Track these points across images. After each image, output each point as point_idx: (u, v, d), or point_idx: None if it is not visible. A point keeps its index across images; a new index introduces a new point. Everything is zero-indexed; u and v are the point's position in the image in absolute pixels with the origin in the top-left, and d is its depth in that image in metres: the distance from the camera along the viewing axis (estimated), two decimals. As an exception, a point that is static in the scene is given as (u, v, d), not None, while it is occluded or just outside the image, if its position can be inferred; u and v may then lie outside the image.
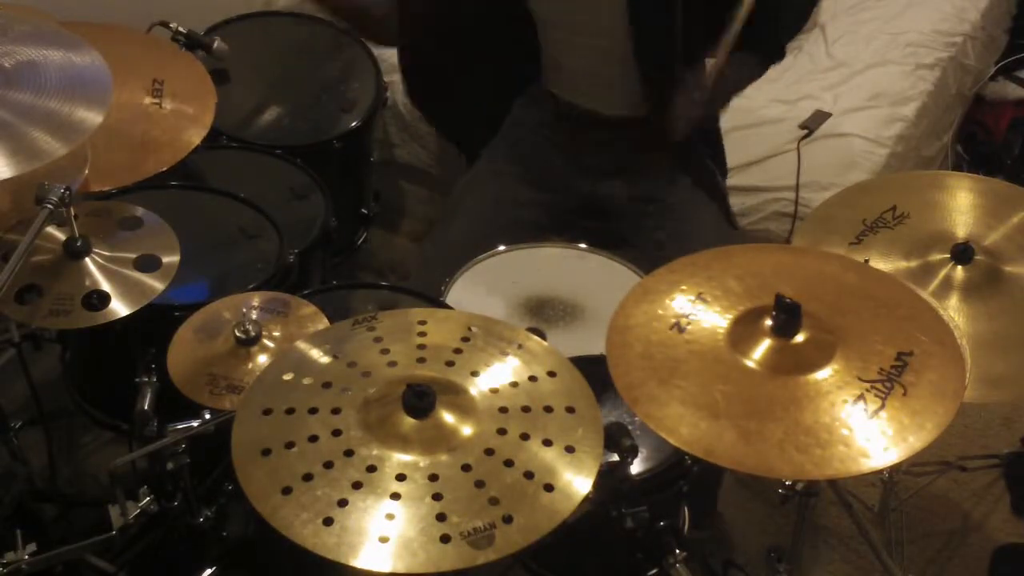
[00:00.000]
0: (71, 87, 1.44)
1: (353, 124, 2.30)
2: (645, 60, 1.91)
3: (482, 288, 1.83)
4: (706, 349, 1.29)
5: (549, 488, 1.12)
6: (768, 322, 1.28)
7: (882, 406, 1.19)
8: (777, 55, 2.06)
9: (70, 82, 1.45)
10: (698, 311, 1.33)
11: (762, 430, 1.18)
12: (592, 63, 1.98)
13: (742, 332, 1.30)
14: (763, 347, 1.27)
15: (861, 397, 1.20)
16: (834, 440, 1.16)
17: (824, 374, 1.23)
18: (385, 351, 1.28)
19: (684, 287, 1.37)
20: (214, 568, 1.53)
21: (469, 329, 1.32)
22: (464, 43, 2.10)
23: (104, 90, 1.47)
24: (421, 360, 1.27)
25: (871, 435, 1.16)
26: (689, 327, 1.32)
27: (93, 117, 1.42)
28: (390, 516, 1.08)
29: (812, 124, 2.22)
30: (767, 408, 1.21)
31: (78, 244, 1.48)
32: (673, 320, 1.33)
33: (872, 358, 1.24)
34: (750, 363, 1.26)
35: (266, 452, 1.14)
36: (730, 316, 1.32)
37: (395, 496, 1.10)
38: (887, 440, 1.16)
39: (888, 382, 1.21)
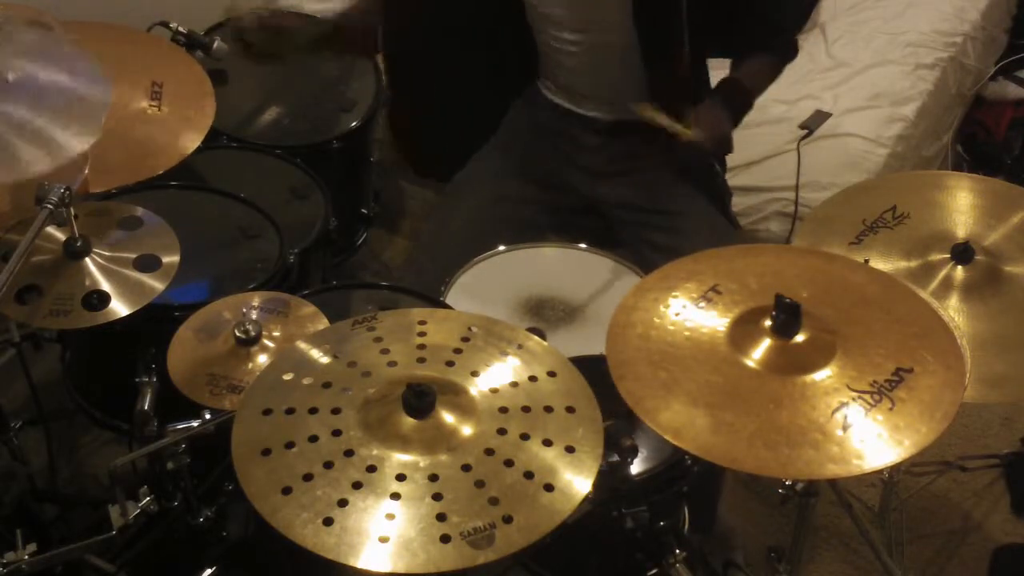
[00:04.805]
0: (67, 109, 1.47)
1: (353, 124, 2.30)
2: (651, 59, 1.90)
3: (482, 288, 1.83)
4: (704, 339, 1.30)
5: (549, 488, 1.12)
6: (768, 321, 1.28)
7: (864, 416, 1.18)
8: (791, 52, 2.05)
9: (67, 104, 1.48)
10: (707, 303, 1.34)
11: (735, 422, 1.19)
12: (594, 63, 1.97)
13: (742, 328, 1.30)
14: (760, 345, 1.27)
15: (845, 405, 1.19)
16: (805, 442, 1.16)
17: (815, 378, 1.23)
18: (385, 351, 1.28)
19: (702, 276, 1.37)
20: (214, 568, 1.53)
21: (469, 329, 1.32)
22: (457, 43, 2.09)
23: (98, 116, 1.50)
24: (421, 360, 1.27)
25: (843, 444, 1.15)
26: (692, 317, 1.32)
27: (82, 142, 1.46)
28: (390, 516, 1.08)
29: (812, 124, 2.21)
30: (747, 403, 1.21)
31: (78, 244, 1.48)
32: (678, 310, 1.33)
33: (868, 369, 1.23)
34: (744, 359, 1.26)
35: (266, 452, 1.14)
36: (737, 311, 1.32)
37: (395, 496, 1.10)
38: (857, 451, 1.15)
39: (878, 395, 1.20)
